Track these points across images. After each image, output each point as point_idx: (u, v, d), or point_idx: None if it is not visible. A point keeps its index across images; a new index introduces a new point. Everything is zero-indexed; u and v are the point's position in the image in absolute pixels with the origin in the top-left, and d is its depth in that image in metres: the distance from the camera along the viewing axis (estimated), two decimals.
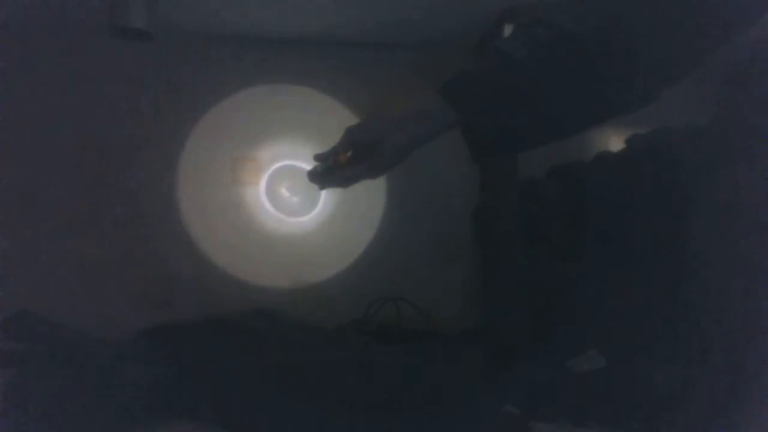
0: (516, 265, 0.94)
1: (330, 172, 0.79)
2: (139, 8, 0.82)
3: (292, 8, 0.96)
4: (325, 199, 1.11)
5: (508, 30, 0.92)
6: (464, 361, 0.83)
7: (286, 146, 1.11)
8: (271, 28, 1.05)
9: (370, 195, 1.13)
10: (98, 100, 1.03)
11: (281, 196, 1.12)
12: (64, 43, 1.00)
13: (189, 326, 0.85)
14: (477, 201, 1.07)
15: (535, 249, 0.94)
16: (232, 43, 1.07)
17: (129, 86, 1.04)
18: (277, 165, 1.11)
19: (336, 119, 1.10)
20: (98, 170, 1.03)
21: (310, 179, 0.81)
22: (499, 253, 0.96)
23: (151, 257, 1.03)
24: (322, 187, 0.82)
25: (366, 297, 1.06)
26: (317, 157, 0.81)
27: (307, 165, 1.05)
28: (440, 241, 1.12)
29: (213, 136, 1.07)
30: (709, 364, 0.70)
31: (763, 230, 0.67)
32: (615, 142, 1.02)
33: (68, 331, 0.80)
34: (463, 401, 0.73)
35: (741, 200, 0.69)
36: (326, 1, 0.94)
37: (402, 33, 1.07)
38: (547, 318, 0.88)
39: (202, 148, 1.07)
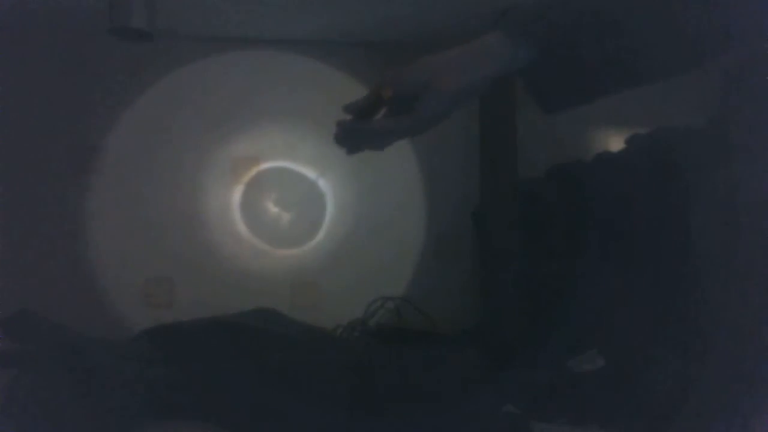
0: (516, 265, 0.94)
1: (364, 125, 0.62)
2: (139, 8, 0.82)
3: (292, 8, 0.96)
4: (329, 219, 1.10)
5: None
6: (464, 361, 0.83)
7: (287, 146, 1.10)
8: (271, 28, 1.05)
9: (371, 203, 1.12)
10: (98, 99, 1.02)
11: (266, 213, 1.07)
12: (64, 43, 1.00)
13: (189, 326, 0.85)
14: (477, 201, 1.07)
15: (535, 249, 0.94)
16: (232, 43, 1.07)
17: (129, 86, 1.04)
18: (264, 166, 1.07)
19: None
20: (97, 170, 1.02)
21: (336, 139, 0.65)
22: (499, 253, 0.96)
23: (151, 257, 1.03)
24: (351, 147, 0.66)
25: (366, 297, 1.06)
26: (349, 108, 0.64)
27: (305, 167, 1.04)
28: (440, 241, 1.12)
29: (212, 135, 1.07)
30: (709, 364, 0.70)
31: (763, 230, 0.67)
32: (615, 142, 1.02)
33: (68, 331, 0.80)
34: (463, 401, 0.73)
35: (741, 200, 0.69)
36: (326, 1, 0.94)
37: (401, 33, 1.07)
38: (547, 318, 0.88)
39: (202, 148, 1.07)
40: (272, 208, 1.09)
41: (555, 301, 0.89)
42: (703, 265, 0.73)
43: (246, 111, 1.08)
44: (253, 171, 1.09)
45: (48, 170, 1.00)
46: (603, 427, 0.74)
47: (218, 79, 1.07)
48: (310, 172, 1.10)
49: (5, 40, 0.95)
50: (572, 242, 0.91)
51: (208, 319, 0.87)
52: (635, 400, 0.74)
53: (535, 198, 0.96)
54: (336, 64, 1.10)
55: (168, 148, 1.05)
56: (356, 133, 0.64)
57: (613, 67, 0.60)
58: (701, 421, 0.68)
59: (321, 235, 1.11)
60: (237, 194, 1.09)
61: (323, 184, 1.08)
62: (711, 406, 0.67)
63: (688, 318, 0.74)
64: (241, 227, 1.08)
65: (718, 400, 0.67)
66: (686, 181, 0.77)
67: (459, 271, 1.12)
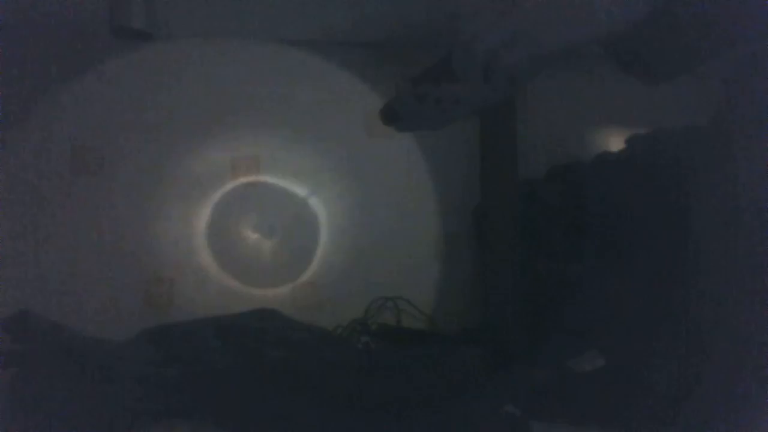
0: (516, 265, 0.94)
1: (429, 90, 0.51)
2: (139, 8, 0.82)
3: (291, 8, 0.96)
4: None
5: None
6: (464, 361, 0.83)
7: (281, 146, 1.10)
8: (271, 28, 1.05)
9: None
10: (98, 100, 1.02)
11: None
12: (64, 43, 1.00)
13: (189, 326, 0.85)
14: (477, 201, 1.07)
15: (535, 249, 0.94)
16: (232, 43, 1.07)
17: (129, 86, 1.04)
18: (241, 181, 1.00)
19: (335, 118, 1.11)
20: (98, 170, 1.02)
21: (388, 110, 0.55)
22: (499, 253, 0.96)
23: (151, 257, 1.03)
24: (406, 122, 0.56)
25: (366, 297, 1.06)
26: (411, 74, 0.53)
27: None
28: (440, 241, 1.12)
29: (212, 135, 1.07)
30: (709, 364, 0.70)
31: (763, 230, 0.67)
32: (615, 142, 1.02)
33: (68, 331, 0.80)
34: (463, 401, 0.73)
35: (741, 200, 0.69)
36: (326, 1, 0.94)
37: (402, 32, 1.07)
38: (547, 318, 0.89)
39: (202, 148, 1.07)
40: (251, 235, 1.04)
41: (555, 301, 0.89)
42: (703, 265, 0.73)
43: (246, 111, 1.08)
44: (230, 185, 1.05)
45: (48, 169, 1.00)
46: (603, 427, 0.74)
47: (218, 78, 1.07)
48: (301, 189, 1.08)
49: (5, 40, 0.95)
50: (572, 242, 0.91)
51: (208, 319, 0.87)
52: (635, 400, 0.74)
53: (536, 198, 0.96)
54: (334, 65, 1.10)
55: (168, 148, 1.05)
56: (419, 101, 0.53)
57: (710, 30, 0.53)
58: (701, 421, 0.68)
59: (315, 264, 1.07)
60: (205, 218, 1.03)
61: (315, 200, 1.05)
62: (711, 406, 0.67)
63: (688, 318, 0.74)
64: (208, 259, 1.02)
65: (718, 399, 0.67)
66: (686, 181, 0.77)
67: (459, 271, 1.12)
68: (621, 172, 0.90)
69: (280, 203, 1.09)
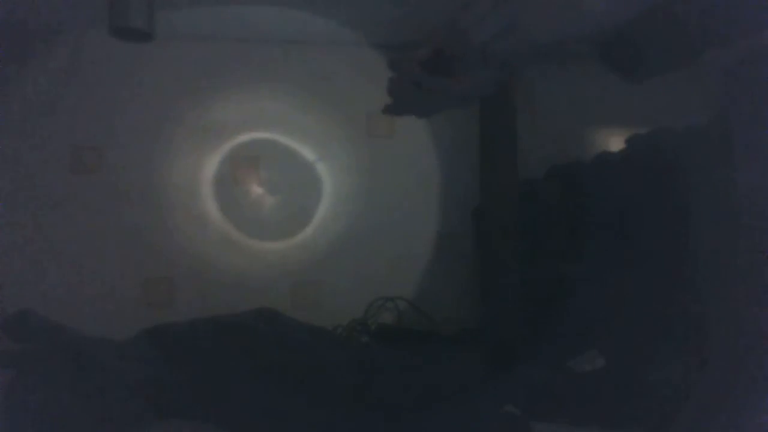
0: (516, 265, 0.94)
1: (430, 81, 0.52)
2: (139, 8, 0.82)
3: (292, 9, 0.96)
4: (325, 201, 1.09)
5: None
6: (464, 361, 0.83)
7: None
8: (271, 28, 1.05)
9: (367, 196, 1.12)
10: (98, 99, 1.03)
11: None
12: (64, 43, 1.00)
13: (189, 326, 0.85)
14: (477, 201, 1.07)
15: (535, 249, 0.94)
16: (232, 43, 1.07)
17: (129, 86, 1.04)
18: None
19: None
20: (98, 170, 1.03)
21: (392, 86, 0.56)
22: (499, 253, 0.96)
23: (152, 257, 1.03)
24: (405, 107, 0.58)
25: (366, 297, 1.06)
26: (395, 60, 0.54)
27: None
28: (440, 241, 1.12)
29: (212, 135, 1.07)
30: (709, 365, 0.70)
31: (763, 231, 0.67)
32: (615, 142, 1.02)
33: (68, 331, 0.80)
34: (463, 401, 0.73)
35: (741, 200, 0.69)
36: (327, 1, 0.94)
37: (402, 33, 1.07)
38: (547, 318, 0.88)
39: (202, 147, 1.07)
40: (256, 189, 1.06)
41: (555, 301, 0.89)
42: (703, 265, 0.73)
43: (246, 111, 1.08)
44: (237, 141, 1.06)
45: (47, 170, 1.00)
46: (603, 427, 0.74)
47: (218, 78, 1.07)
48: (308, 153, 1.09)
49: (5, 40, 0.95)
50: (572, 242, 0.91)
51: (208, 319, 0.87)
52: (635, 400, 0.74)
53: (536, 198, 0.96)
54: (334, 65, 1.10)
55: (168, 148, 1.05)
56: (414, 87, 0.54)
57: (707, 28, 0.53)
58: (701, 422, 0.68)
59: (310, 230, 1.09)
60: (206, 217, 1.06)
61: (321, 169, 1.07)
62: (711, 406, 0.67)
63: (688, 318, 0.74)
64: (215, 212, 1.05)
65: (718, 399, 0.67)
66: (686, 181, 0.77)
67: (459, 271, 1.12)
68: (621, 172, 0.90)
69: (281, 205, 1.09)
